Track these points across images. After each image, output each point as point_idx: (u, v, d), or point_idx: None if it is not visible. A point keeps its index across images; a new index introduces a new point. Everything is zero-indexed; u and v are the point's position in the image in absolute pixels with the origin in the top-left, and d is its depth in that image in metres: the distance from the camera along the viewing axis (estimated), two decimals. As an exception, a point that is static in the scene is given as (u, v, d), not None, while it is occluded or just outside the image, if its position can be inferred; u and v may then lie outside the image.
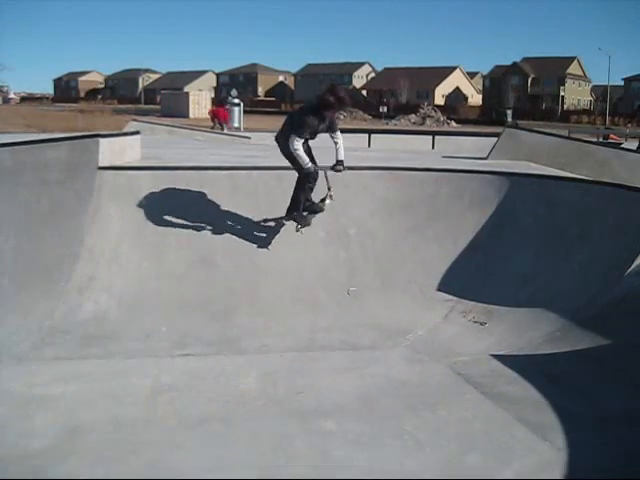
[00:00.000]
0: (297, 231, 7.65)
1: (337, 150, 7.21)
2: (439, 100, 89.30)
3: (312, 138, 7.15)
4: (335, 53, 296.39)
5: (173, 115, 56.89)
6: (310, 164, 7.07)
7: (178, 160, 10.16)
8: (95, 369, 5.58)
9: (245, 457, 4.10)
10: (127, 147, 9.34)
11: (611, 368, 5.59)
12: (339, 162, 7.14)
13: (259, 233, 8.15)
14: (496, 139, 12.98)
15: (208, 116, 36.96)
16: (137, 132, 10.59)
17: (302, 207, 7.53)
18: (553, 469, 4.01)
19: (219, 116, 31.40)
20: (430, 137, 18.68)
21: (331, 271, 8.11)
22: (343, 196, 8.88)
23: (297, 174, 7.33)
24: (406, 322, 7.17)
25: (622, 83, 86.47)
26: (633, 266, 6.87)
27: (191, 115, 62.38)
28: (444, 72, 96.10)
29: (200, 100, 67.38)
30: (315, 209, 7.58)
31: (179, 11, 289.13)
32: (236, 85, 78.88)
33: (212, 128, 26.77)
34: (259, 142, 18.53)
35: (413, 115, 65.46)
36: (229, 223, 8.17)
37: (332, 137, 7.17)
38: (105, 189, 8.09)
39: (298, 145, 6.86)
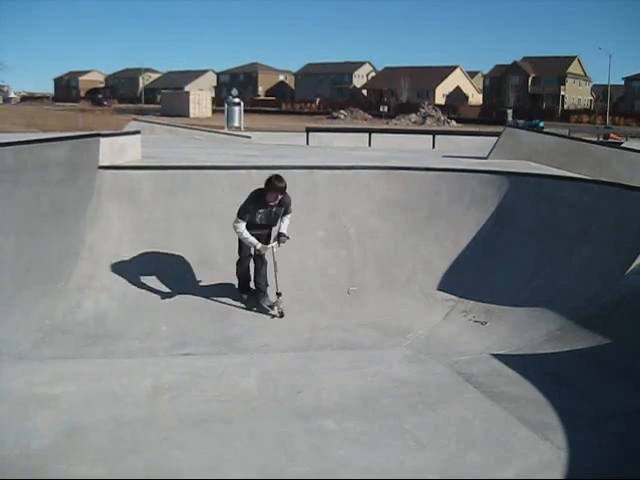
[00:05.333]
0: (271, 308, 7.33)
1: (281, 224, 7.30)
2: (439, 99, 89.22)
3: (264, 225, 7.28)
4: (335, 53, 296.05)
5: (173, 114, 56.85)
6: (257, 244, 7.12)
7: (178, 160, 10.15)
8: (95, 368, 5.57)
9: (245, 457, 4.10)
10: (127, 146, 9.33)
11: (611, 368, 5.59)
12: (281, 234, 7.21)
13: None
14: (496, 138, 12.98)
15: (209, 115, 35.55)
16: (137, 131, 10.58)
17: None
18: (553, 468, 4.01)
19: None
20: (430, 136, 18.68)
21: (331, 271, 8.12)
22: (343, 196, 8.90)
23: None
24: (406, 321, 7.18)
25: (622, 82, 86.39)
26: (633, 266, 6.87)
27: (191, 114, 62.31)
28: (444, 71, 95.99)
29: (200, 99, 67.34)
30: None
31: (179, 11, 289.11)
32: (236, 84, 78.76)
33: None
34: (259, 141, 18.54)
35: (413, 114, 65.47)
36: (229, 223, 8.15)
37: (282, 218, 7.30)
38: (105, 188, 8.09)
39: (239, 227, 7.07)
